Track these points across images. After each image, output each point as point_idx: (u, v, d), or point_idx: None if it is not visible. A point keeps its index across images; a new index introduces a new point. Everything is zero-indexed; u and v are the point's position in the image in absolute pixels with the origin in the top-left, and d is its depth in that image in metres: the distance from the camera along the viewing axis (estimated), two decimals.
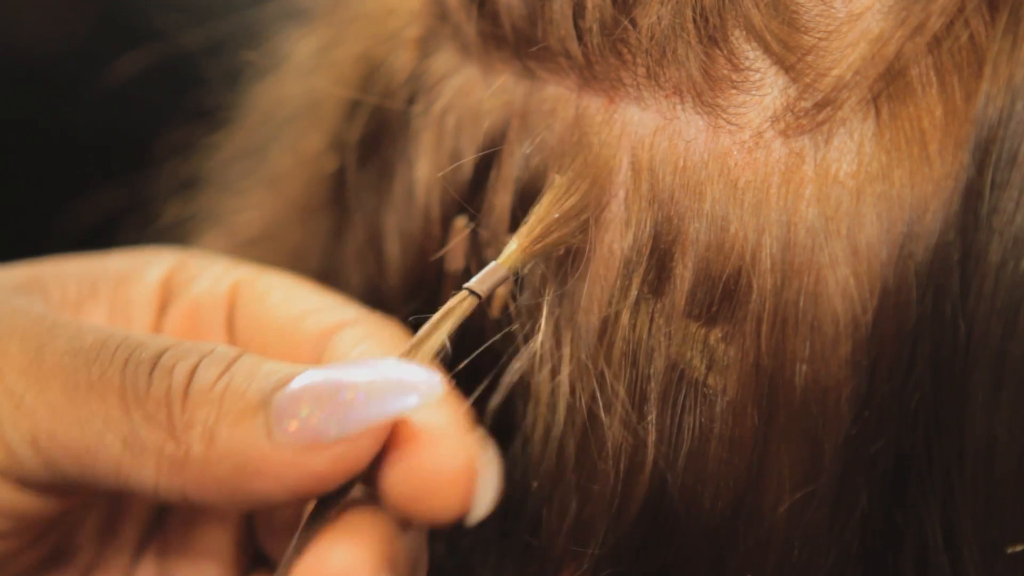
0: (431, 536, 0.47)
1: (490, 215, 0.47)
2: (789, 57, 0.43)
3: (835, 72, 0.42)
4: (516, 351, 0.46)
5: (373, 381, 0.41)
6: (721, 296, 0.43)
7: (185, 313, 0.49)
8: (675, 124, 0.44)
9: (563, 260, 0.45)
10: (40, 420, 0.42)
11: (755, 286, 0.43)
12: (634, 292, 0.44)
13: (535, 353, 0.45)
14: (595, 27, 0.44)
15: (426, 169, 0.49)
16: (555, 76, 0.46)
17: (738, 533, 0.44)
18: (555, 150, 0.45)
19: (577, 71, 0.45)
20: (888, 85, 0.42)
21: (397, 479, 0.41)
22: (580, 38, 0.45)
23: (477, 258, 0.47)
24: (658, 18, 0.44)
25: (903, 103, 0.42)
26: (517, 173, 0.46)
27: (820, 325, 0.42)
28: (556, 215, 0.44)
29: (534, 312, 0.45)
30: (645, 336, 0.44)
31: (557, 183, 0.45)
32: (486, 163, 0.47)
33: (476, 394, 0.46)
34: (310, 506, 0.42)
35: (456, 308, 0.44)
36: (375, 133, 0.52)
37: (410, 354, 0.43)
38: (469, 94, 0.48)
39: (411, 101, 0.50)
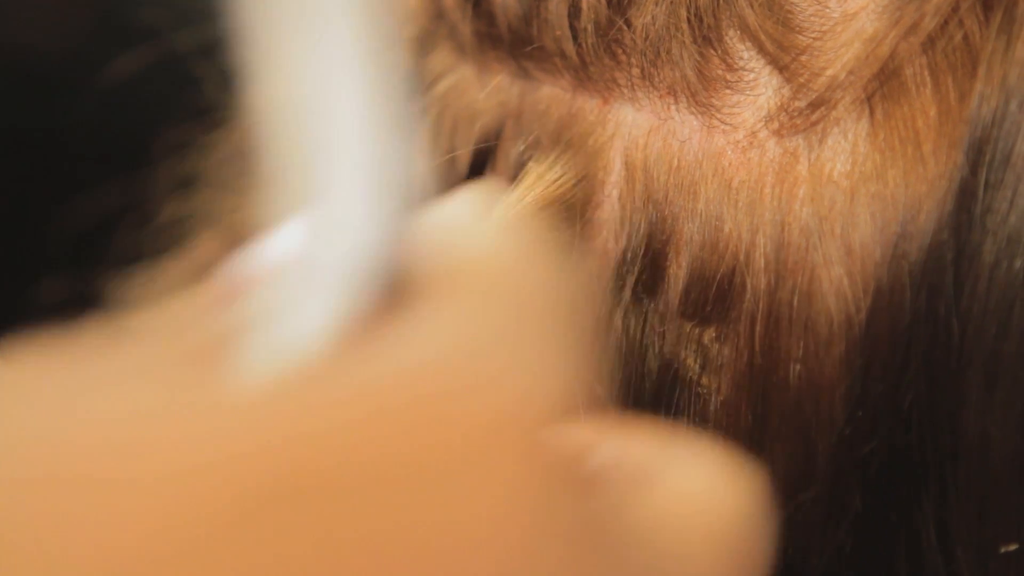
0: None
1: None
2: (783, 57, 0.43)
3: (829, 72, 0.42)
4: None
5: None
6: (715, 296, 0.43)
7: None
8: (669, 124, 0.44)
9: None
10: None
11: (749, 286, 0.43)
12: (627, 292, 0.44)
13: None
14: (590, 27, 0.44)
15: (421, 168, 0.49)
16: (550, 76, 0.46)
17: None
18: (549, 151, 0.46)
19: (572, 71, 0.45)
20: (882, 85, 0.42)
21: None
22: (575, 38, 0.45)
23: None
24: (652, 18, 0.44)
25: (897, 103, 0.42)
26: (512, 173, 0.46)
27: (814, 325, 0.42)
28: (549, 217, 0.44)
29: None
30: (638, 336, 0.44)
31: (538, 172, 0.45)
32: (482, 163, 0.47)
33: None
34: None
35: None
36: None
37: None
38: (464, 94, 0.48)
39: (406, 100, 0.50)
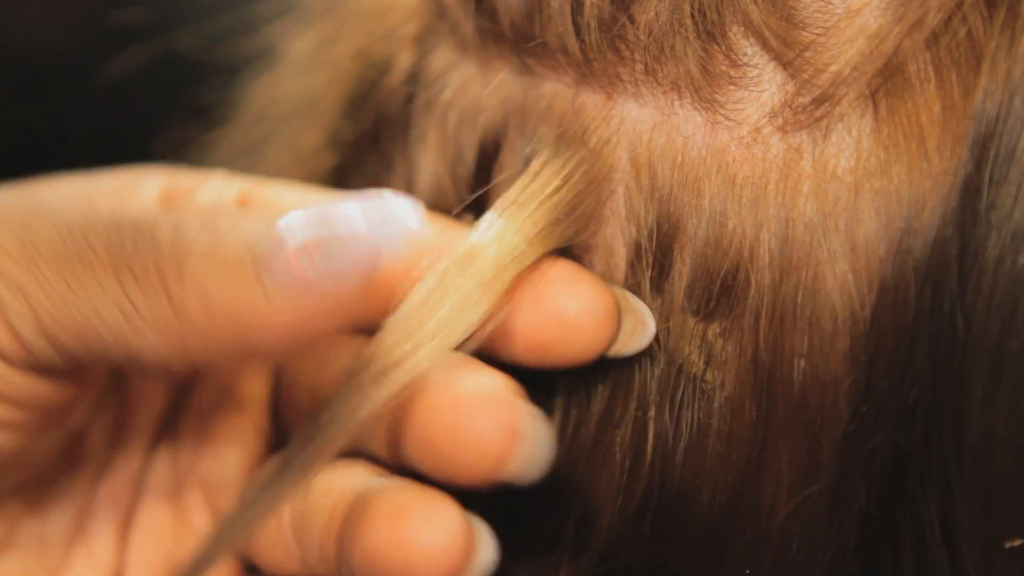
0: None
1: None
2: (787, 53, 0.43)
3: (833, 68, 0.42)
4: None
5: (363, 212, 0.40)
6: (719, 291, 0.43)
7: None
8: (673, 120, 0.44)
9: (561, 256, 0.45)
10: (41, 306, 0.42)
11: (753, 281, 0.43)
12: (632, 287, 0.44)
13: None
14: (593, 23, 0.44)
15: (427, 166, 0.49)
16: (553, 72, 0.46)
17: (736, 528, 0.44)
18: (553, 147, 0.45)
19: (575, 68, 0.45)
20: (886, 81, 0.42)
21: (529, 323, 0.42)
22: (578, 34, 0.45)
23: None
24: (656, 14, 0.44)
25: (901, 99, 0.42)
26: (519, 169, 0.46)
27: (818, 320, 0.42)
28: (556, 213, 0.44)
29: None
30: None
31: (539, 169, 0.45)
32: (487, 160, 0.47)
33: None
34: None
35: None
36: (373, 130, 0.52)
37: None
38: (467, 91, 0.48)
39: (409, 98, 0.50)
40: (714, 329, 0.44)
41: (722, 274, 0.43)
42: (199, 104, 0.66)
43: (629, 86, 0.45)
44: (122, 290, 0.41)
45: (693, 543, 0.44)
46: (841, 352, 0.42)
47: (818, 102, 0.42)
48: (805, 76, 0.42)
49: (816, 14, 0.43)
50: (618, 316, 0.43)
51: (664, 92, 0.44)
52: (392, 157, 0.51)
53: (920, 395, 0.41)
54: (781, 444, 0.43)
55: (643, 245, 0.44)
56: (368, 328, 0.43)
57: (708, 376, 0.44)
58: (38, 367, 0.43)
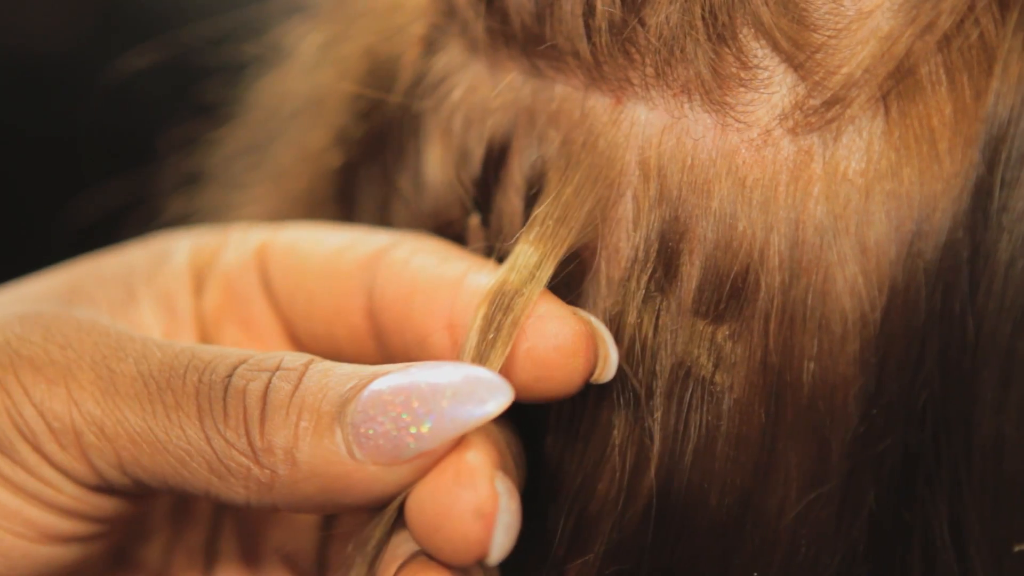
0: None
1: (501, 213, 0.47)
2: (798, 55, 0.43)
3: (844, 70, 0.42)
4: None
5: (450, 385, 0.41)
6: (729, 294, 0.43)
7: (220, 290, 0.49)
8: (683, 123, 0.44)
9: (570, 259, 0.45)
10: (123, 448, 0.42)
11: (763, 284, 0.43)
12: (641, 290, 0.44)
13: None
14: (604, 26, 0.44)
15: (435, 166, 0.49)
16: (562, 75, 0.46)
17: (744, 531, 0.44)
18: (562, 150, 0.45)
19: (585, 70, 0.45)
20: (898, 83, 0.42)
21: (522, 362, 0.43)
22: (589, 37, 0.45)
23: (488, 257, 0.47)
24: (667, 17, 0.44)
25: (912, 101, 0.42)
26: (526, 172, 0.46)
27: (828, 323, 0.42)
28: (565, 216, 0.44)
29: None
30: (652, 334, 0.44)
31: (558, 182, 0.45)
32: (495, 161, 0.47)
33: None
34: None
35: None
36: (381, 129, 0.52)
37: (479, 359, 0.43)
38: (476, 91, 0.48)
39: (418, 97, 0.50)
40: (723, 332, 0.43)
41: (732, 276, 0.43)
42: (203, 102, 0.66)
43: (639, 89, 0.44)
44: (210, 448, 0.42)
45: (701, 545, 0.44)
46: (851, 355, 0.42)
47: (829, 104, 0.42)
48: (816, 78, 0.42)
49: (827, 16, 0.43)
50: (592, 345, 0.44)
51: (674, 95, 0.44)
52: (399, 156, 0.51)
53: (930, 398, 0.41)
54: (790, 447, 0.43)
55: (651, 248, 0.44)
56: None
57: (717, 379, 0.43)
58: (109, 490, 0.44)
